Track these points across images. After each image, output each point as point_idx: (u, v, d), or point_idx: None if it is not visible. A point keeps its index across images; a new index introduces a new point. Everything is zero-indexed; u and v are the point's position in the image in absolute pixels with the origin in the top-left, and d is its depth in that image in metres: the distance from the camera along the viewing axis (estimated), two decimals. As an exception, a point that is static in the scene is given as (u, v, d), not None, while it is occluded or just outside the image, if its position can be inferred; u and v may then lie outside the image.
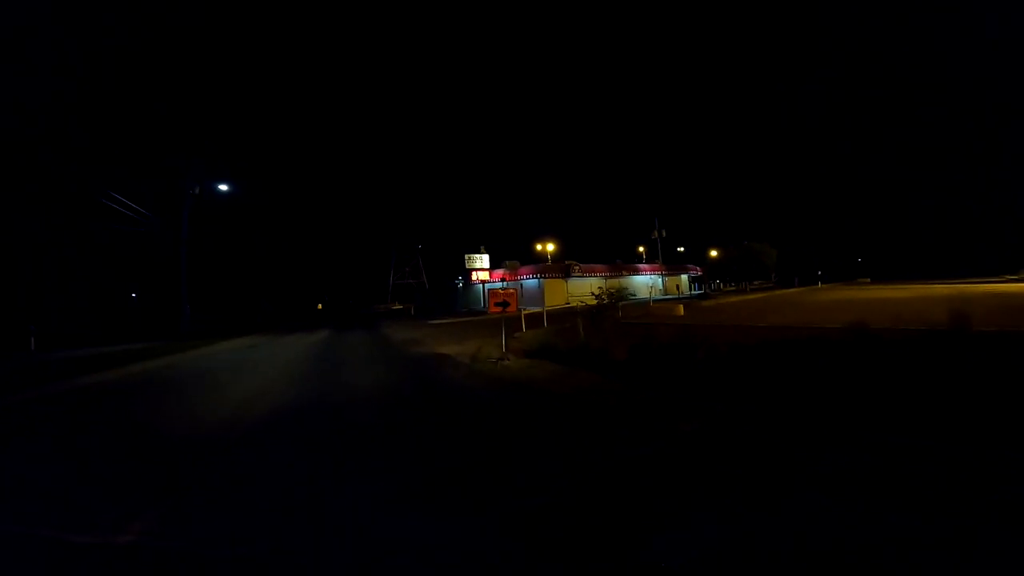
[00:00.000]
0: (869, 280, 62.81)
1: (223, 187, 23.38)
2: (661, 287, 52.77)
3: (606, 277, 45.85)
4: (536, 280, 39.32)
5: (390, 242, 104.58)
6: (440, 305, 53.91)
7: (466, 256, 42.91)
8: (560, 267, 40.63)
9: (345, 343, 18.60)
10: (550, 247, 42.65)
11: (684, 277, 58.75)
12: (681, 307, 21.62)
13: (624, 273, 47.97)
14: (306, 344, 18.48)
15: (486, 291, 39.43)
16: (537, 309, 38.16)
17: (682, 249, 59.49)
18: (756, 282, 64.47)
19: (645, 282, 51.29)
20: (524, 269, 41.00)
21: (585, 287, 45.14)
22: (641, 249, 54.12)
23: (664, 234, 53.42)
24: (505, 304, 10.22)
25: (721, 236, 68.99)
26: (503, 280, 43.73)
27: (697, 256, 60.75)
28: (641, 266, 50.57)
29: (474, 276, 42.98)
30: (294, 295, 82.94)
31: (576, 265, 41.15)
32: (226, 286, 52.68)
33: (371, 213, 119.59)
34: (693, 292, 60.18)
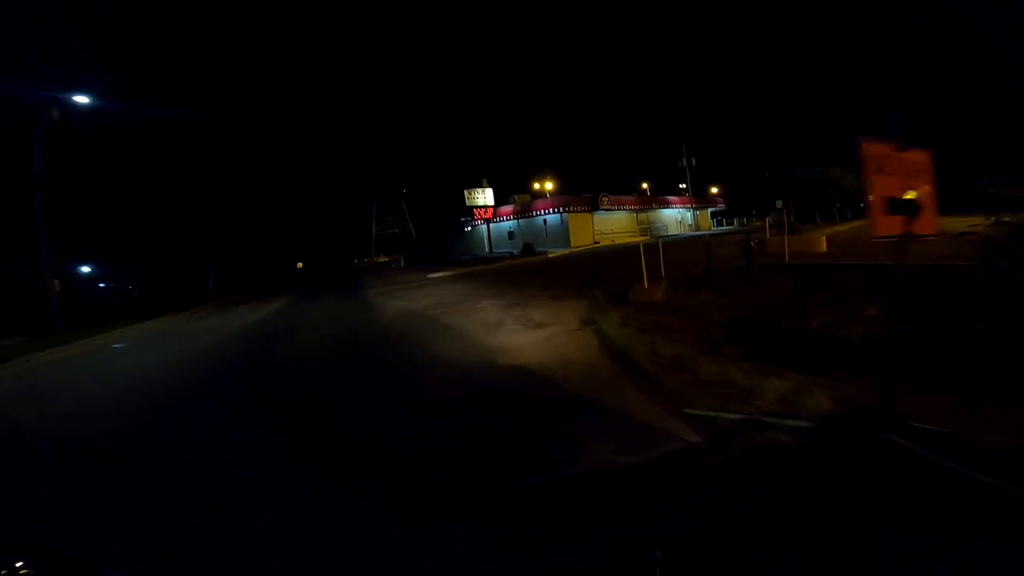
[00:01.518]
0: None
1: (81, 99, 14.40)
2: (692, 221, 45.17)
3: (636, 211, 38.01)
4: (558, 215, 31.33)
5: (371, 189, 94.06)
6: (435, 254, 45.83)
7: (466, 192, 34.15)
8: (586, 200, 32.57)
9: (294, 333, 10.95)
10: (549, 185, 34.39)
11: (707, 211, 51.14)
12: (823, 239, 14.12)
13: (654, 206, 40.07)
14: (219, 340, 10.77)
15: (491, 232, 31.07)
16: (563, 251, 30.44)
17: (684, 186, 50.00)
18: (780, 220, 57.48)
19: (675, 216, 43.60)
20: (543, 202, 32.84)
21: (613, 223, 37.53)
22: (645, 185, 44.85)
23: (694, 162, 45.26)
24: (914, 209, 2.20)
25: (724, 171, 60.93)
26: (514, 218, 35.68)
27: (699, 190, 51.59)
28: (671, 198, 42.61)
29: (477, 215, 34.72)
30: (269, 254, 73.54)
31: (606, 197, 33.13)
32: (173, 246, 43.45)
33: (349, 158, 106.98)
34: (722, 226, 52.94)
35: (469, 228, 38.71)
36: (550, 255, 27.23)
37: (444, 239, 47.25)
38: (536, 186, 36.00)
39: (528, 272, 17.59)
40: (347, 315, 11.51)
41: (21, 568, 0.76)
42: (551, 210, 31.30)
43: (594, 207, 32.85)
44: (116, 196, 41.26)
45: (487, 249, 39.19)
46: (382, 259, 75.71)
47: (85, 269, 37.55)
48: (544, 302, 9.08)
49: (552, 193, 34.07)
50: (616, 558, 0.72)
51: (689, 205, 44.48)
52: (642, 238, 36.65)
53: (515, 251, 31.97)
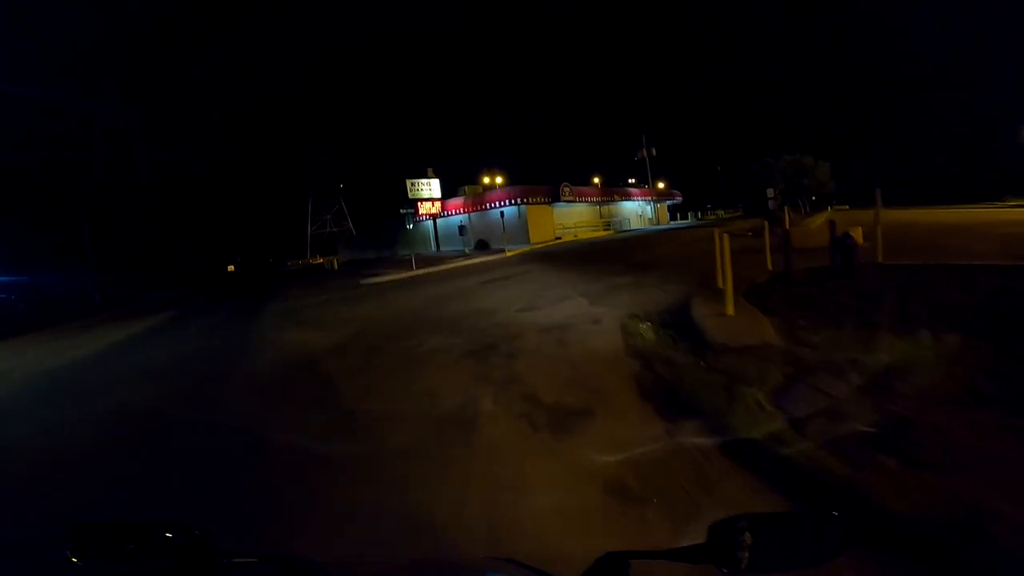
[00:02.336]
0: (848, 207, 56.50)
1: None
2: (652, 215, 42.86)
3: (599, 203, 34.86)
4: (516, 207, 27.42)
5: (306, 185, 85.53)
6: (376, 254, 40.63)
7: (408, 183, 29.31)
8: (546, 190, 28.85)
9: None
10: (499, 180, 30.46)
11: (665, 205, 49.22)
12: (859, 231, 11.06)
13: (616, 198, 37.13)
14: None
15: (437, 228, 26.75)
16: (523, 247, 26.48)
17: (633, 181, 46.88)
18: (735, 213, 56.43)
19: (635, 209, 41.02)
20: (497, 193, 28.80)
21: (574, 216, 34.10)
22: (597, 180, 41.27)
23: (654, 152, 42.93)
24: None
25: (670, 165, 59.72)
26: (464, 211, 31.38)
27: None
28: (633, 191, 39.88)
29: (421, 209, 30.13)
30: (197, 255, 64.52)
31: (568, 187, 29.57)
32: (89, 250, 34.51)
33: (283, 151, 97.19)
34: (681, 220, 51.11)
35: (411, 225, 34.04)
36: (508, 253, 23.35)
37: (385, 237, 42.09)
38: (487, 180, 31.91)
39: (491, 277, 13.62)
40: (197, 360, 6.95)
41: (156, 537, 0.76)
42: (507, 202, 27.36)
43: (555, 198, 29.25)
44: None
45: (434, 247, 34.69)
46: (318, 260, 68.86)
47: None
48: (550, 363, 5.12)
49: (507, 183, 30.10)
50: (712, 535, 0.73)
51: (650, 198, 42.09)
52: (606, 232, 33.63)
53: (467, 248, 27.84)
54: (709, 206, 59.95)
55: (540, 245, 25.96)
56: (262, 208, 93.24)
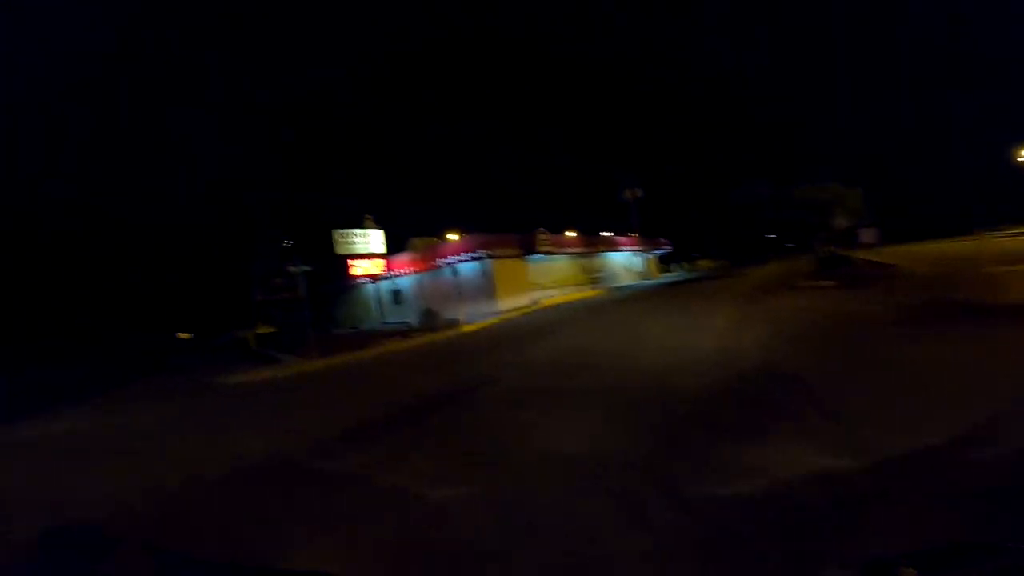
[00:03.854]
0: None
1: None
2: (643, 267, 37.03)
3: (580, 256, 28.62)
4: (479, 263, 20.69)
5: (250, 247, 77.59)
6: (313, 325, 32.71)
7: (336, 235, 21.44)
8: (518, 239, 22.38)
9: None
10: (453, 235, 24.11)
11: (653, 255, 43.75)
12: None
13: (601, 249, 31.09)
14: None
15: (382, 294, 19.37)
16: (490, 319, 17.64)
17: (610, 234, 39.44)
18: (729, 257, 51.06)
19: (622, 261, 35.04)
20: (454, 245, 22.17)
21: (553, 272, 27.58)
22: (570, 233, 34.51)
23: (641, 194, 37.88)
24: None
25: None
26: (414, 271, 24.43)
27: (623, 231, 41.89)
28: (621, 239, 34.09)
29: (354, 268, 22.91)
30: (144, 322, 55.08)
31: (545, 235, 23.23)
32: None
33: (226, 210, 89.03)
34: (673, 272, 45.37)
35: (346, 291, 26.92)
36: (465, 328, 16.31)
37: (326, 304, 34.46)
38: (450, 236, 25.37)
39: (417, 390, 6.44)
40: None
41: None
42: (467, 255, 20.70)
43: (528, 250, 22.76)
44: None
45: (379, 316, 27.37)
46: (263, 330, 59.68)
47: None
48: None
49: (466, 234, 23.51)
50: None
51: (638, 248, 36.40)
52: (594, 291, 27.18)
53: (414, 321, 20.71)
54: (696, 254, 54.92)
55: (514, 313, 19.08)
56: (220, 273, 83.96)
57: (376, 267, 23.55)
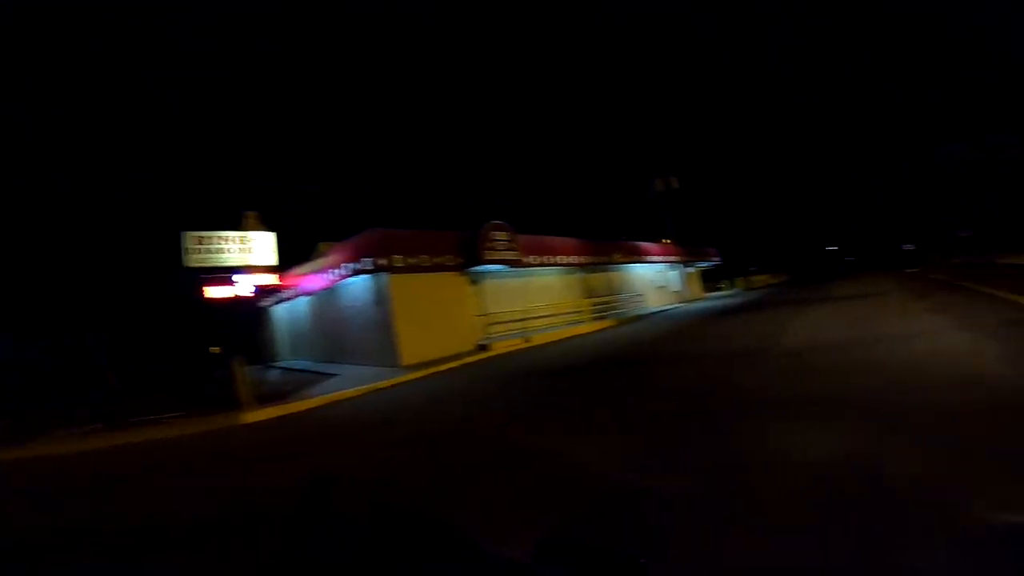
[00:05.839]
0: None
1: None
2: (680, 285, 26.81)
3: (579, 268, 18.94)
4: (370, 280, 11.70)
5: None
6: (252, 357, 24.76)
7: (187, 238, 14.43)
8: (451, 240, 13.30)
9: None
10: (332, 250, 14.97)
11: (696, 269, 33.02)
12: None
13: (616, 258, 21.24)
14: None
15: (274, 321, 11.14)
16: (374, 383, 9.36)
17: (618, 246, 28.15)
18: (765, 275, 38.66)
19: (650, 277, 25.00)
20: (350, 249, 13.26)
21: (533, 292, 17.58)
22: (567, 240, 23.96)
23: (677, 185, 27.86)
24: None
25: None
26: (308, 294, 15.86)
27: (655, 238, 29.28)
28: (649, 247, 24.14)
29: (209, 291, 14.54)
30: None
31: (500, 231, 14.09)
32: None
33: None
34: (723, 290, 34.27)
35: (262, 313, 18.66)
36: (260, 415, 7.33)
37: (257, 331, 26.53)
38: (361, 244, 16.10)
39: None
40: None
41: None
42: (347, 268, 11.80)
43: (470, 259, 13.47)
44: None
45: (283, 356, 19.01)
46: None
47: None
48: None
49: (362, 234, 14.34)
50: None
51: (673, 259, 26.27)
52: (602, 323, 17.44)
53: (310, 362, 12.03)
54: (754, 267, 43.26)
55: (424, 371, 10.03)
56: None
57: (247, 287, 15.02)
